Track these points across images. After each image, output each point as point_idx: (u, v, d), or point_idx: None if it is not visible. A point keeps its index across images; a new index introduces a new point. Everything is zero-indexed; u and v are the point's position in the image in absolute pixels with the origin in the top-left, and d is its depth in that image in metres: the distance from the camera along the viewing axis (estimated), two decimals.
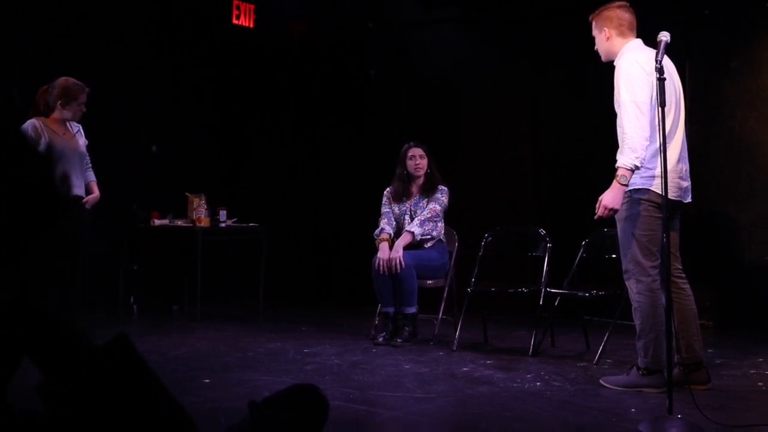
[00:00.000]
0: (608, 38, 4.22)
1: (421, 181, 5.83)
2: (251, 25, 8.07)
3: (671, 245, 4.10)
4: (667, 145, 3.97)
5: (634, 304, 4.10)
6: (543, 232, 5.58)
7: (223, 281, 7.54)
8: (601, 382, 4.25)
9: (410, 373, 4.62)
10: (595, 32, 4.29)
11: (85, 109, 5.46)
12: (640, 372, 4.09)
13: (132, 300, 6.96)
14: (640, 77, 3.93)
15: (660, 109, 3.51)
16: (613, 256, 4.97)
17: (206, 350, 5.28)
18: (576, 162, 6.86)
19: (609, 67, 4.28)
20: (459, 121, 7.41)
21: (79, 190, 5.43)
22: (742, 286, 6.28)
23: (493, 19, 7.34)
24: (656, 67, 3.53)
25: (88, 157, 5.62)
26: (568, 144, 6.96)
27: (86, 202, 5.47)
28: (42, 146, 5.12)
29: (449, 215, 5.88)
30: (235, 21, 7.92)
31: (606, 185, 4.02)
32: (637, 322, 4.10)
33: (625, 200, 4.02)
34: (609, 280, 5.03)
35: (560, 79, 7.01)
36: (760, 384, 4.35)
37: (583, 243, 5.34)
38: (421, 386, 4.26)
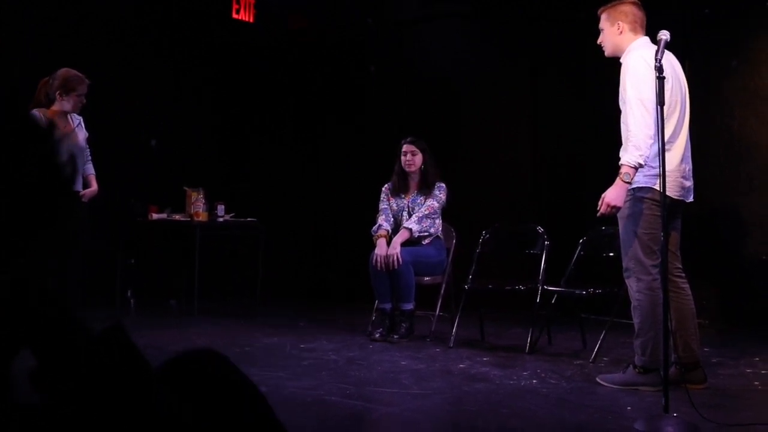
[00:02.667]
0: (620, 32, 4.19)
1: (417, 177, 5.83)
2: (251, 20, 8.06)
3: (672, 244, 4.10)
4: (672, 144, 3.99)
5: (634, 303, 4.09)
6: (541, 229, 5.58)
7: (220, 276, 7.54)
8: (598, 380, 4.25)
9: (407, 369, 4.62)
10: (605, 25, 4.25)
11: (85, 101, 5.45)
12: (637, 370, 4.09)
13: (129, 294, 6.95)
14: (646, 75, 3.89)
15: (659, 108, 3.51)
16: (611, 254, 4.98)
17: (203, 345, 5.27)
18: (575, 160, 6.87)
19: (608, 66, 4.28)
20: (458, 119, 7.41)
21: (77, 185, 5.42)
22: (739, 285, 6.29)
23: (493, 17, 7.34)
24: (655, 66, 3.53)
25: (88, 150, 5.61)
26: (567, 142, 6.97)
27: (83, 195, 5.46)
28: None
29: (447, 212, 5.88)
30: (234, 15, 7.92)
31: (604, 184, 4.02)
32: (636, 320, 4.10)
33: (628, 198, 4.01)
34: (606, 279, 5.03)
35: (560, 78, 7.01)
36: (756, 383, 4.36)
37: (581, 241, 5.34)
38: (418, 383, 4.27)
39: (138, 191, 6.96)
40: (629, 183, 3.94)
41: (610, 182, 3.98)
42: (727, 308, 6.30)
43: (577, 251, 5.32)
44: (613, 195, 3.94)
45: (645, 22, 4.22)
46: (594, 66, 4.53)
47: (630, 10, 4.19)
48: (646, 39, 4.17)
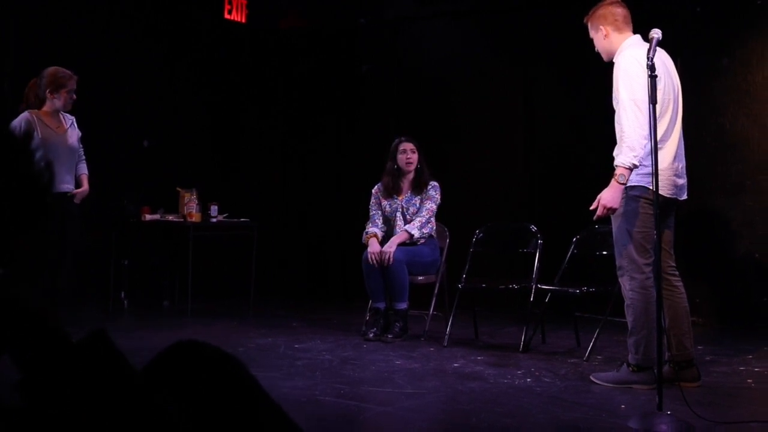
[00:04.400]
0: (606, 36, 4.18)
1: (411, 176, 5.82)
2: (243, 20, 8.05)
3: (665, 242, 4.11)
4: (665, 142, 3.99)
5: (627, 301, 4.10)
6: (534, 228, 5.58)
7: (214, 277, 7.52)
8: (592, 378, 4.26)
9: (401, 368, 4.62)
10: (592, 33, 4.26)
11: (75, 97, 5.42)
12: (631, 368, 4.09)
13: (122, 295, 6.94)
14: (639, 75, 3.88)
15: (652, 106, 3.51)
16: (604, 252, 4.98)
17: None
18: (568, 158, 6.87)
19: (601, 65, 4.28)
20: (451, 117, 7.40)
21: (68, 185, 5.40)
22: (732, 283, 6.30)
23: (485, 13, 7.34)
24: (647, 65, 3.52)
25: (81, 150, 5.59)
26: (560, 140, 6.97)
27: (74, 195, 5.44)
28: (36, 140, 5.09)
29: (441, 211, 5.88)
30: (227, 16, 7.90)
31: (598, 182, 4.02)
32: (629, 318, 4.10)
33: (621, 197, 4.01)
34: (600, 277, 5.03)
35: (554, 76, 7.01)
36: (749, 381, 4.37)
37: (574, 239, 5.34)
38: (412, 382, 4.27)
39: (131, 192, 6.94)
40: (624, 184, 3.94)
41: (604, 180, 3.98)
42: (721, 306, 6.32)
43: (571, 250, 5.32)
44: (609, 197, 3.94)
45: (629, 18, 4.20)
46: (587, 64, 4.53)
47: (608, 12, 4.18)
48: (637, 37, 4.16)
